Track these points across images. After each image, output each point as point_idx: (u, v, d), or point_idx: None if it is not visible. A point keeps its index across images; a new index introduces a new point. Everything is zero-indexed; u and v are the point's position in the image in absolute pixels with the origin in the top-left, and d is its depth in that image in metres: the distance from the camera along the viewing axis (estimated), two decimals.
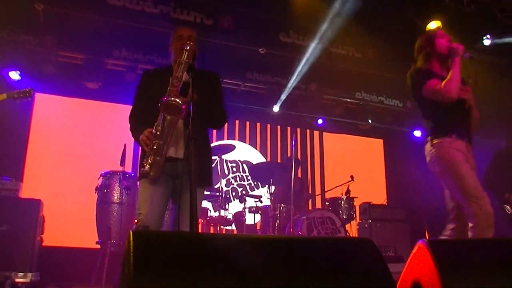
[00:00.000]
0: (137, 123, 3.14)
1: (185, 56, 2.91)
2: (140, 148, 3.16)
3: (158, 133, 2.87)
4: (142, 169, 2.95)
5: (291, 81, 7.46)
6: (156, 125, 2.90)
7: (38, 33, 6.27)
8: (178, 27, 3.42)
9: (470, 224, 3.19)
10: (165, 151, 2.92)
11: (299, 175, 7.35)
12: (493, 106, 7.69)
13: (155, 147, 2.88)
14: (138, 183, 3.29)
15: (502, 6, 6.45)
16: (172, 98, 2.76)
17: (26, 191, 5.95)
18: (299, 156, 8.37)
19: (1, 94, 4.62)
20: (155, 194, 3.01)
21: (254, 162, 8.25)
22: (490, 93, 7.63)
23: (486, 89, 7.68)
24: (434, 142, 3.49)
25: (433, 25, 6.59)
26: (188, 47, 2.93)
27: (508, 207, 5.47)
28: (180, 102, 2.73)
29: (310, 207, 7.64)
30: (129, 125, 3.25)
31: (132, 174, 5.32)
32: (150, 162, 2.89)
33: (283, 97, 7.90)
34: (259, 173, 6.49)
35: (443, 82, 3.41)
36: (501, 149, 5.86)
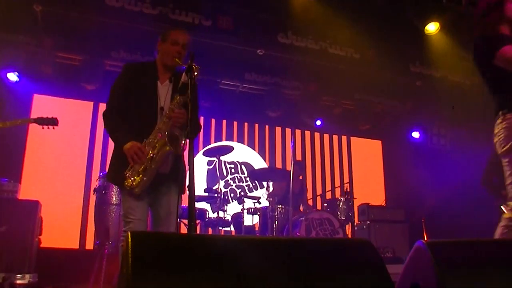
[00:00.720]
0: (116, 121, 3.04)
1: (191, 81, 2.77)
2: (113, 149, 3.09)
3: (153, 156, 2.86)
4: (125, 181, 2.89)
5: None
6: (150, 145, 2.89)
7: (37, 34, 6.26)
8: (174, 28, 3.30)
9: None
10: (154, 174, 2.91)
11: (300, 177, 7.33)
12: (490, 105, 7.70)
13: (147, 168, 2.88)
14: (115, 187, 3.27)
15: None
16: (180, 132, 2.85)
17: (24, 193, 5.95)
18: (297, 157, 8.36)
19: (27, 118, 4.67)
20: (140, 202, 2.99)
21: (253, 163, 8.24)
22: (488, 93, 7.65)
23: (483, 89, 7.71)
24: (507, 117, 3.03)
25: (432, 26, 6.61)
26: (196, 74, 2.75)
27: (504, 206, 5.48)
28: (183, 139, 2.82)
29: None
30: (103, 118, 3.09)
31: None
32: (139, 181, 2.87)
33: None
34: (258, 176, 6.48)
35: None
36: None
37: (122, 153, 2.92)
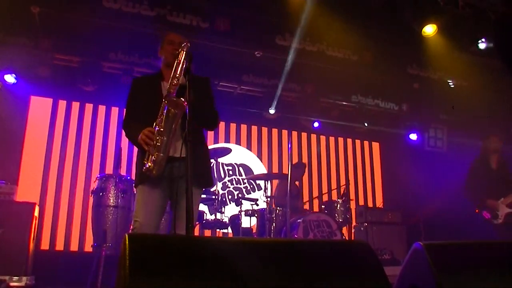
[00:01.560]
0: (131, 127, 3.16)
1: (182, 57, 2.98)
2: (136, 152, 3.16)
3: (162, 129, 2.88)
4: (143, 168, 2.91)
5: None
6: (158, 122, 2.92)
7: (34, 36, 6.25)
8: (167, 32, 3.48)
9: None
10: (168, 148, 2.91)
11: (297, 184, 7.34)
12: (487, 108, 7.73)
13: (158, 144, 2.88)
14: (134, 189, 3.28)
15: (496, 10, 6.48)
16: (175, 96, 2.85)
17: (21, 195, 5.93)
18: (295, 159, 8.36)
19: None
20: (152, 200, 3.01)
21: (251, 165, 8.24)
22: (485, 96, 7.68)
23: (481, 92, 7.74)
24: None
25: (429, 28, 6.62)
26: (186, 49, 3.00)
27: (485, 213, 5.62)
28: (181, 98, 2.80)
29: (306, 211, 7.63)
30: (123, 132, 3.27)
31: (128, 177, 5.30)
32: (154, 159, 2.88)
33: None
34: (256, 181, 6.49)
35: None
36: (477, 156, 5.95)
37: (141, 151, 3.00)
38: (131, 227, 3.03)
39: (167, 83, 3.16)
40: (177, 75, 2.97)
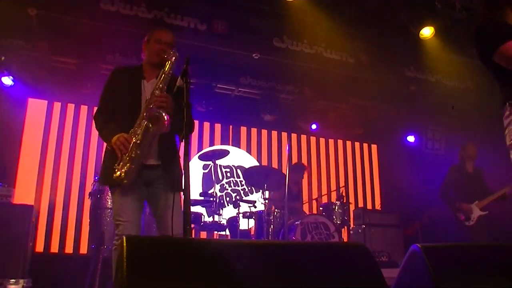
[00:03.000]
0: (104, 121, 3.12)
1: (168, 67, 2.99)
2: (104, 149, 3.14)
3: (139, 142, 2.87)
4: (114, 174, 2.89)
5: None
6: (134, 132, 2.90)
7: (31, 38, 6.24)
8: (157, 28, 3.40)
9: None
10: (141, 160, 2.92)
11: (301, 185, 7.35)
12: (484, 110, 7.75)
13: (132, 155, 2.87)
14: (108, 189, 3.26)
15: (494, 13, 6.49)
16: (160, 111, 2.81)
17: (19, 197, 5.91)
18: (293, 161, 8.37)
19: None
20: (130, 201, 3.00)
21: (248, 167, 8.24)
22: (482, 98, 7.69)
23: (478, 94, 7.76)
24: None
25: (426, 30, 6.64)
26: (173, 59, 3.01)
27: (460, 215, 5.95)
28: (165, 116, 2.78)
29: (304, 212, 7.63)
30: (94, 121, 3.22)
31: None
32: (126, 170, 2.86)
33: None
34: (253, 178, 6.47)
35: None
36: (454, 164, 6.29)
37: (112, 151, 2.96)
38: (116, 232, 3.00)
39: (147, 82, 3.17)
40: (160, 86, 2.96)
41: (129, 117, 3.00)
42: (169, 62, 3.01)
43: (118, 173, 2.87)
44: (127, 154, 2.87)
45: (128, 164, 2.87)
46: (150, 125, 2.86)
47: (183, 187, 3.24)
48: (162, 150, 3.05)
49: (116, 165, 2.90)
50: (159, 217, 3.09)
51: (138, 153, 2.87)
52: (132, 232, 2.93)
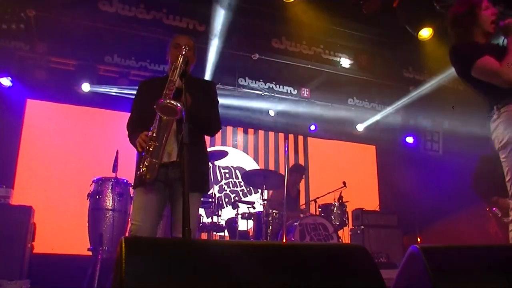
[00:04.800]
0: (133, 130, 3.17)
1: (180, 60, 2.95)
2: (136, 154, 3.16)
3: (154, 135, 2.88)
4: (138, 172, 2.93)
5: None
6: (152, 127, 2.91)
7: (30, 39, 6.24)
8: (176, 35, 3.46)
9: None
10: (161, 154, 2.91)
11: (299, 187, 7.36)
12: (483, 112, 7.74)
13: (151, 149, 2.87)
14: (132, 191, 3.27)
15: None
16: (168, 100, 2.78)
17: (17, 198, 5.90)
18: (291, 162, 8.37)
19: None
20: (149, 202, 3.02)
21: (247, 168, 8.23)
22: (480, 99, 7.69)
23: (476, 95, 7.76)
24: (502, 111, 2.92)
25: (425, 31, 6.64)
26: (184, 52, 2.99)
27: (497, 210, 5.54)
28: (174, 103, 2.74)
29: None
30: (127, 132, 3.28)
31: (125, 180, 5.28)
32: (147, 164, 2.88)
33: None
34: (252, 179, 6.48)
35: (503, 65, 2.84)
36: (485, 153, 5.91)
37: (140, 154, 2.99)
38: (128, 230, 3.05)
39: None
40: (173, 79, 2.94)
41: (153, 120, 2.98)
42: (180, 55, 2.97)
43: (142, 169, 2.90)
44: (146, 149, 2.89)
45: (148, 158, 2.88)
46: (163, 116, 2.83)
47: (207, 188, 3.29)
48: (181, 147, 2.92)
49: (140, 164, 2.94)
50: (175, 219, 3.06)
51: (156, 145, 2.86)
52: (144, 235, 2.93)
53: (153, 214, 3.05)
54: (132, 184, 3.20)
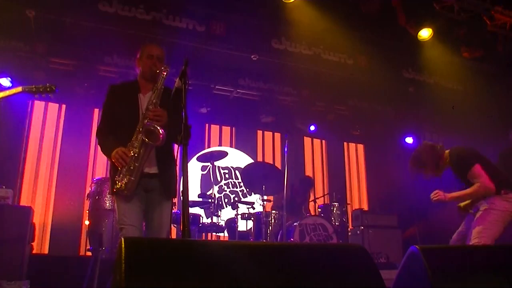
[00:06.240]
0: (105, 137, 3.26)
1: (160, 83, 3.15)
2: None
3: (136, 155, 3.01)
4: (115, 186, 3.04)
5: None
6: (132, 145, 3.04)
7: (30, 39, 6.24)
8: (147, 43, 3.53)
9: None
10: (140, 171, 3.05)
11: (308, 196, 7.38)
12: (482, 112, 7.76)
13: (131, 168, 3.01)
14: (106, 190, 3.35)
15: (491, 15, 6.52)
16: (154, 125, 2.98)
17: (17, 198, 5.90)
18: (292, 163, 8.35)
19: (16, 88, 4.19)
20: (133, 207, 3.11)
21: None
22: (479, 100, 7.71)
23: (475, 96, 7.78)
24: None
25: (425, 32, 6.64)
26: (164, 74, 3.17)
27: None
28: (159, 130, 2.94)
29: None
30: (96, 138, 3.37)
31: None
32: (126, 181, 3.01)
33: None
34: (251, 179, 6.47)
35: None
36: (503, 150, 5.86)
37: (114, 163, 3.11)
38: (119, 235, 3.11)
39: (143, 95, 3.31)
40: (153, 101, 3.10)
41: (128, 130, 3.12)
42: (161, 77, 3.16)
43: (119, 184, 3.01)
44: (126, 167, 3.02)
45: (128, 176, 3.01)
46: (146, 139, 2.99)
47: (176, 193, 3.41)
48: (159, 158, 3.18)
49: (116, 176, 3.05)
50: (149, 223, 3.22)
51: (136, 165, 3.01)
52: (135, 236, 3.00)
53: (138, 217, 3.14)
54: (110, 190, 3.27)
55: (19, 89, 4.08)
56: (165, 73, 3.18)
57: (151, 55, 3.35)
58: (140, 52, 3.46)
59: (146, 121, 3.04)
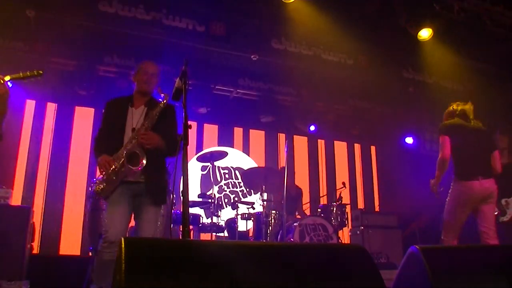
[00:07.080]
0: (98, 147, 3.51)
1: (157, 110, 3.41)
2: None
3: (116, 169, 3.25)
4: (96, 187, 3.35)
5: None
6: (117, 157, 3.29)
7: (30, 39, 6.23)
8: (143, 62, 3.76)
9: None
10: (116, 182, 3.30)
11: (296, 183, 7.37)
12: (482, 112, 7.75)
13: (111, 178, 3.27)
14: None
15: (491, 15, 6.52)
16: (140, 150, 3.23)
17: (16, 199, 5.90)
18: (292, 163, 8.37)
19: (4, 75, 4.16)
20: (117, 213, 3.31)
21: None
22: (479, 100, 7.70)
23: (475, 96, 7.77)
24: None
25: (425, 32, 6.64)
26: (163, 103, 3.43)
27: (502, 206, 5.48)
28: (142, 159, 3.21)
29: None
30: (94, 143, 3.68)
31: None
32: (102, 187, 3.32)
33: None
34: (251, 179, 6.48)
35: None
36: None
37: None
38: (103, 237, 3.30)
39: (135, 109, 3.53)
40: (146, 125, 3.34)
41: (116, 139, 3.40)
42: (160, 105, 3.41)
43: (97, 187, 3.31)
44: (106, 176, 3.30)
45: (104, 184, 3.30)
46: (126, 162, 3.21)
47: (166, 201, 3.68)
48: (147, 169, 3.33)
49: (98, 181, 3.35)
50: (138, 225, 3.42)
51: (114, 178, 3.28)
52: (116, 240, 3.16)
53: (122, 222, 3.31)
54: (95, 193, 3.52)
55: (7, 77, 4.07)
56: (163, 102, 3.43)
57: (146, 71, 3.60)
58: (136, 68, 3.72)
59: (133, 141, 3.29)
